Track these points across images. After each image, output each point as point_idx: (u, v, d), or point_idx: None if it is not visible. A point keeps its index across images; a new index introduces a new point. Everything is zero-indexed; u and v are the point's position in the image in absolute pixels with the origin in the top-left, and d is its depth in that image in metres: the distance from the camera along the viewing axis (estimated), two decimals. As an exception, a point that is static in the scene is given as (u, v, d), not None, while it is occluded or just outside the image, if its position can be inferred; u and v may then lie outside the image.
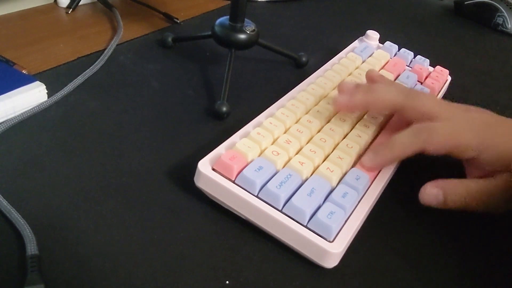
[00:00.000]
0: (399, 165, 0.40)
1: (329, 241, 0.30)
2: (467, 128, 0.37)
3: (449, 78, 0.55)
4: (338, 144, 0.38)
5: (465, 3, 0.80)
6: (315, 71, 0.49)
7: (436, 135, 0.36)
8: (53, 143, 0.37)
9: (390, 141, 0.37)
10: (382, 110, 0.41)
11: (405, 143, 0.36)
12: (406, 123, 0.38)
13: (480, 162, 0.37)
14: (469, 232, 0.37)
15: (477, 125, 0.37)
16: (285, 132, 0.38)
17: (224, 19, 0.48)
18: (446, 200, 0.35)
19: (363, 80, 0.47)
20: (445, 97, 0.52)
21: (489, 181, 0.36)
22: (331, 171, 0.34)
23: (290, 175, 0.33)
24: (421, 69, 0.52)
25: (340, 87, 0.41)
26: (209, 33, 0.49)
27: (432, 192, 0.36)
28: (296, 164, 0.34)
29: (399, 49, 0.56)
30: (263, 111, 0.41)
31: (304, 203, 0.31)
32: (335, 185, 0.34)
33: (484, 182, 0.36)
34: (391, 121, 0.42)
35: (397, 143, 0.36)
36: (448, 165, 0.43)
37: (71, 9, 0.57)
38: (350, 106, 0.40)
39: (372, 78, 0.43)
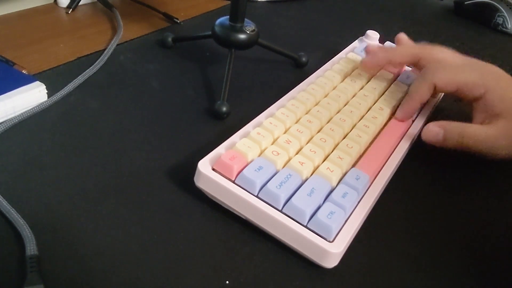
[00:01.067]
0: (399, 165, 0.40)
1: (329, 241, 0.30)
2: (474, 70, 0.41)
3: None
4: (338, 144, 0.38)
5: (465, 3, 0.80)
6: (315, 71, 0.49)
7: (442, 72, 0.41)
8: (53, 143, 0.37)
9: (408, 92, 0.43)
10: (403, 61, 0.47)
11: (419, 86, 0.42)
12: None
13: (485, 104, 0.40)
14: (469, 232, 0.37)
15: (484, 69, 0.42)
16: (285, 132, 0.38)
17: (224, 19, 0.48)
18: (446, 138, 0.40)
19: (363, 80, 0.47)
20: (445, 97, 0.52)
21: (488, 126, 0.40)
22: (331, 171, 0.34)
23: (290, 175, 0.33)
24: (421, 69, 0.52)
25: (367, 49, 0.50)
26: (209, 33, 0.49)
27: (434, 130, 0.40)
28: (296, 164, 0.34)
29: (399, 49, 0.56)
30: (263, 111, 0.41)
31: (304, 203, 0.31)
32: (335, 185, 0.34)
33: (483, 127, 0.40)
34: (391, 122, 0.42)
35: (413, 90, 0.42)
36: (447, 165, 0.43)
37: (71, 9, 0.57)
38: (375, 63, 0.47)
39: (400, 40, 0.51)
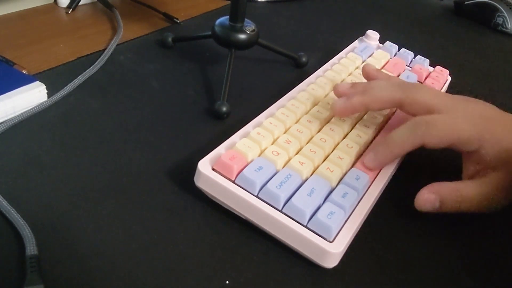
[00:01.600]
0: (399, 165, 0.40)
1: (329, 241, 0.30)
2: (467, 121, 0.36)
3: (449, 78, 0.55)
4: (338, 144, 0.38)
5: (465, 3, 0.80)
6: (315, 71, 0.49)
7: (434, 128, 0.35)
8: (53, 143, 0.37)
9: (388, 138, 0.36)
10: (381, 108, 0.40)
11: (403, 139, 0.36)
12: (406, 120, 0.38)
13: (479, 156, 0.36)
14: (468, 233, 0.37)
15: (477, 117, 0.37)
16: (285, 132, 0.38)
17: (224, 19, 0.48)
18: (442, 206, 0.35)
19: (363, 80, 0.47)
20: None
21: (482, 182, 0.36)
22: (331, 171, 0.34)
23: (290, 175, 0.33)
24: (421, 69, 0.52)
25: (336, 90, 0.41)
26: (209, 33, 0.49)
27: (430, 198, 0.35)
28: (296, 164, 0.34)
29: (399, 49, 0.56)
30: (263, 111, 0.41)
31: (304, 203, 0.31)
32: (335, 185, 0.34)
33: (478, 185, 0.36)
34: (391, 121, 0.42)
35: (395, 140, 0.36)
36: (447, 165, 0.43)
37: (71, 9, 0.57)
38: (349, 110, 0.39)
39: (368, 73, 0.43)
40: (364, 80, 0.46)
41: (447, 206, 0.35)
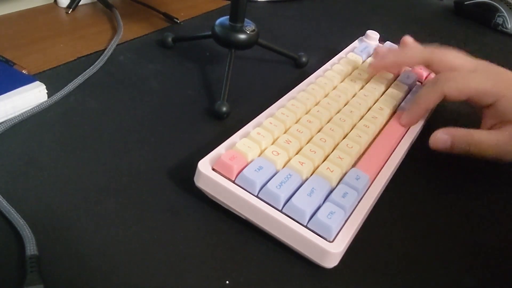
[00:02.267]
0: (399, 165, 0.40)
1: (329, 241, 0.30)
2: (485, 77, 0.40)
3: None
4: (338, 144, 0.38)
5: (465, 3, 0.80)
6: (315, 71, 0.49)
7: (454, 81, 0.40)
8: (53, 143, 0.37)
9: (415, 97, 0.42)
10: (412, 64, 0.47)
11: (427, 94, 0.41)
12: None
13: (496, 110, 0.40)
14: (468, 233, 0.37)
15: (497, 76, 0.41)
16: (285, 132, 0.38)
17: (224, 19, 0.48)
18: (453, 145, 0.39)
19: (363, 80, 0.47)
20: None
21: (496, 132, 0.40)
22: (331, 171, 0.34)
23: (290, 175, 0.33)
24: (421, 69, 0.52)
25: (375, 51, 0.49)
26: (209, 33, 0.49)
27: (442, 137, 0.40)
28: (296, 164, 0.34)
29: (399, 49, 0.56)
30: (263, 111, 0.41)
31: (304, 203, 0.31)
32: (335, 185, 0.34)
33: (491, 134, 0.40)
34: (391, 121, 0.42)
35: (421, 96, 0.42)
36: (447, 164, 0.43)
37: (71, 9, 0.57)
38: (384, 66, 0.46)
39: (405, 43, 0.50)
40: (365, 78, 0.47)
41: (458, 147, 0.39)
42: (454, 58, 0.43)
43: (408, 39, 0.50)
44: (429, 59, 0.43)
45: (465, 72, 0.41)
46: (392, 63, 0.46)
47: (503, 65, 0.44)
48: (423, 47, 0.45)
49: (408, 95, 0.47)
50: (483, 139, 0.39)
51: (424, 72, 0.52)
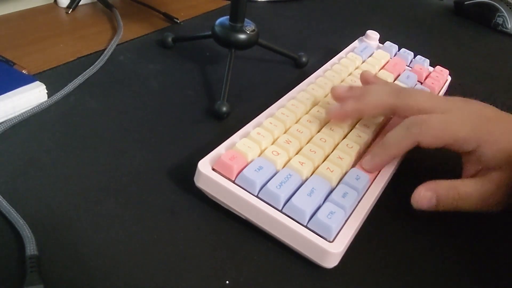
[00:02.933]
0: (399, 165, 0.40)
1: (329, 241, 0.30)
2: (464, 121, 0.36)
3: (449, 78, 0.55)
4: (338, 144, 0.38)
5: (465, 3, 0.80)
6: (315, 71, 0.49)
7: (429, 127, 0.35)
8: (53, 143, 0.37)
9: (384, 140, 0.36)
10: (375, 114, 0.40)
11: (398, 140, 0.36)
12: None
13: (478, 157, 0.36)
14: (468, 233, 0.37)
15: (475, 118, 0.36)
16: (285, 132, 0.38)
17: (224, 19, 0.48)
18: (438, 204, 0.34)
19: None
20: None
21: (481, 181, 0.35)
22: (331, 171, 0.34)
23: (290, 175, 0.33)
24: (421, 69, 0.52)
25: (333, 92, 0.40)
26: (209, 33, 0.49)
27: (426, 196, 0.34)
28: (296, 164, 0.34)
29: (399, 49, 0.56)
30: (263, 111, 0.41)
31: (304, 203, 0.31)
32: (335, 185, 0.34)
33: (476, 184, 0.35)
34: (392, 121, 0.42)
35: (391, 141, 0.36)
36: (447, 164, 0.43)
37: (71, 9, 0.57)
38: (343, 116, 0.39)
39: (366, 79, 0.43)
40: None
41: (444, 204, 0.34)
42: (423, 101, 0.37)
43: (368, 75, 0.43)
44: (394, 105, 0.37)
45: (440, 116, 0.36)
46: (352, 111, 0.38)
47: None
48: (386, 89, 0.38)
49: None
50: (469, 191, 0.34)
51: (424, 73, 0.52)
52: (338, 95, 0.40)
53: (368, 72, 0.44)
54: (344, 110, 0.38)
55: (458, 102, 0.37)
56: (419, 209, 0.35)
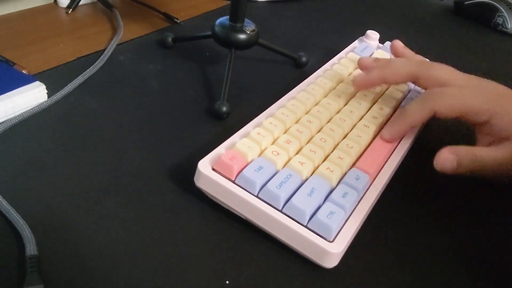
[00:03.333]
0: (399, 165, 0.40)
1: (329, 241, 0.30)
2: (479, 94, 0.38)
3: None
4: (338, 144, 0.38)
5: (465, 3, 0.80)
6: (315, 71, 0.49)
7: (445, 97, 0.38)
8: (53, 143, 0.37)
9: (403, 110, 0.40)
10: (398, 81, 0.44)
11: (416, 109, 0.39)
12: None
13: (491, 128, 0.38)
14: (469, 232, 0.37)
15: (489, 92, 0.39)
16: (285, 132, 0.38)
17: (224, 19, 0.48)
18: (459, 166, 0.37)
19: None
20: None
21: (495, 149, 0.37)
22: (331, 171, 0.34)
23: (290, 175, 0.33)
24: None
25: (360, 63, 0.45)
26: (209, 33, 0.49)
27: (449, 158, 0.37)
28: (296, 164, 0.34)
29: (399, 49, 0.56)
30: (263, 111, 0.41)
31: (304, 203, 0.31)
32: (335, 185, 0.34)
33: (490, 150, 0.37)
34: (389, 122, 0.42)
35: (409, 111, 0.39)
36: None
37: (71, 9, 0.57)
38: (368, 83, 0.43)
39: (396, 50, 0.48)
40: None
41: (463, 166, 0.37)
42: (443, 74, 0.40)
43: (397, 44, 0.48)
44: (416, 74, 0.41)
45: (456, 88, 0.39)
46: (377, 78, 0.42)
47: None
48: (410, 60, 0.43)
49: (409, 93, 0.47)
50: (484, 155, 0.37)
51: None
52: (364, 65, 0.44)
53: (398, 42, 0.49)
54: (370, 77, 0.42)
55: (474, 79, 0.40)
56: (442, 171, 0.37)
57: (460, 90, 0.39)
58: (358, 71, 0.49)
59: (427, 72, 0.40)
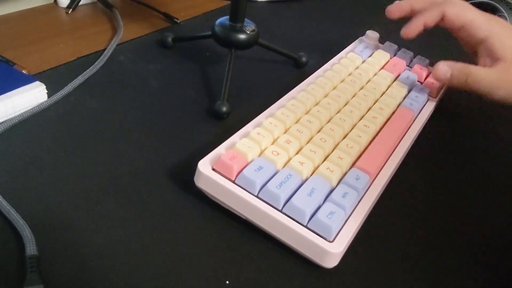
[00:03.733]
0: (399, 165, 0.40)
1: (329, 241, 0.30)
2: (483, 15, 0.46)
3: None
4: (338, 144, 0.38)
5: (465, 3, 0.80)
6: (315, 71, 0.49)
7: (456, 6, 0.46)
8: (53, 143, 0.37)
9: (418, 13, 0.48)
10: (423, 6, 0.49)
11: (429, 10, 0.46)
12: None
13: (487, 47, 0.44)
14: (469, 232, 0.37)
15: (492, 18, 0.46)
16: (285, 132, 0.38)
17: (224, 19, 0.48)
18: (453, 76, 0.44)
19: (363, 80, 0.47)
20: (445, 97, 0.52)
21: (490, 69, 0.43)
22: (331, 171, 0.34)
23: (290, 175, 0.33)
24: (421, 69, 0.52)
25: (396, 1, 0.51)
26: (209, 33, 0.48)
27: (443, 68, 0.44)
28: (296, 164, 0.34)
29: (399, 49, 0.56)
30: (263, 111, 0.41)
31: (304, 203, 0.31)
32: (335, 185, 0.34)
33: (485, 69, 0.43)
34: (391, 121, 0.42)
35: (424, 11, 0.47)
36: (448, 165, 0.43)
37: (71, 9, 0.57)
38: (398, 7, 0.49)
39: None
40: (365, 78, 0.47)
41: (456, 79, 0.44)
42: (461, 3, 0.47)
43: None
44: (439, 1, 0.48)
45: (467, 4, 0.47)
46: (406, 5, 0.49)
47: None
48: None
49: (409, 94, 0.47)
50: (478, 72, 0.43)
51: (424, 73, 0.52)
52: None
53: None
54: (400, 3, 0.49)
55: (487, 14, 0.47)
56: (437, 80, 0.45)
57: (470, 7, 0.46)
58: (358, 71, 0.49)
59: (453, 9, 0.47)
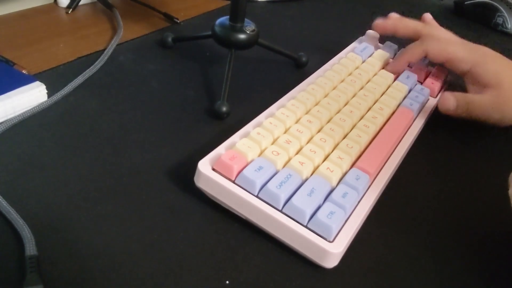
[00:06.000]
0: (399, 165, 0.40)
1: (329, 241, 0.30)
2: (465, 47, 0.48)
3: (449, 78, 0.55)
4: (338, 144, 0.38)
5: (465, 3, 0.80)
6: (315, 71, 0.49)
7: (437, 43, 0.48)
8: (53, 143, 0.37)
9: (403, 50, 0.51)
10: (405, 32, 0.53)
11: (412, 48, 0.49)
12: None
13: (473, 77, 0.47)
14: (469, 232, 0.37)
15: (473, 48, 0.48)
16: (285, 132, 0.38)
17: (224, 19, 0.48)
18: (457, 106, 0.46)
19: (363, 80, 0.47)
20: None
21: (482, 95, 0.46)
22: (331, 171, 0.34)
23: (290, 175, 0.33)
24: (421, 69, 0.52)
25: (388, 16, 0.55)
26: (209, 33, 0.49)
27: (450, 98, 0.46)
28: (296, 164, 0.34)
29: (399, 49, 0.56)
30: (263, 111, 0.41)
31: (304, 203, 0.31)
32: (335, 185, 0.34)
33: (477, 96, 0.46)
34: (390, 121, 0.42)
35: (408, 49, 0.50)
36: (446, 165, 0.43)
37: (71, 9, 0.57)
38: (383, 26, 0.53)
39: (424, 18, 0.56)
40: (365, 78, 0.48)
41: (460, 107, 0.46)
42: (443, 34, 0.51)
43: (427, 17, 0.57)
44: (420, 31, 0.51)
45: (448, 39, 0.50)
46: (390, 26, 0.53)
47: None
48: (420, 22, 0.54)
49: (409, 94, 0.47)
50: (474, 98, 0.46)
51: (424, 73, 0.52)
52: (389, 16, 0.55)
53: (428, 15, 0.57)
54: (386, 23, 0.53)
55: (466, 41, 0.50)
56: (444, 112, 0.46)
57: (451, 41, 0.49)
58: (358, 71, 0.49)
59: (429, 30, 0.51)
